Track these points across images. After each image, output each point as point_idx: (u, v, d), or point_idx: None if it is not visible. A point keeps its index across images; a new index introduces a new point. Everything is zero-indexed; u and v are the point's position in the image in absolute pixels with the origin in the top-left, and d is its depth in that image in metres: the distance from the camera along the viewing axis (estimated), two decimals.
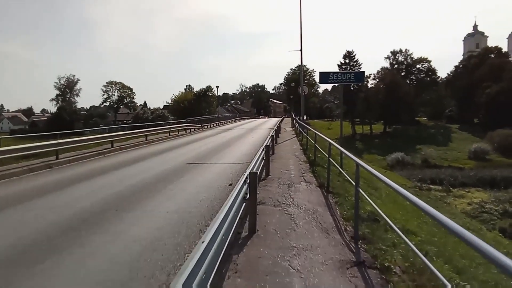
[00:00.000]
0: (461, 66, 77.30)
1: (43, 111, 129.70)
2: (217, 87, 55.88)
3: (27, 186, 8.87)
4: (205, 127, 35.78)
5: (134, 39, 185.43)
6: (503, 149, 50.65)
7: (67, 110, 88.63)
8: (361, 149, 61.42)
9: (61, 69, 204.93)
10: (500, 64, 65.31)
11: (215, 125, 40.70)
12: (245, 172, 5.15)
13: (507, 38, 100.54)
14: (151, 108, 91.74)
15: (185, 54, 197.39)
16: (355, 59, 71.18)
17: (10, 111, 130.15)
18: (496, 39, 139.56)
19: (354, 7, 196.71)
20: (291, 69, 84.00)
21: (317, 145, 10.67)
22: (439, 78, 77.51)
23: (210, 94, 72.56)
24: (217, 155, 14.05)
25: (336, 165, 7.83)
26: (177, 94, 74.09)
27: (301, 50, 21.66)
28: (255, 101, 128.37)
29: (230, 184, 8.24)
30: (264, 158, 8.48)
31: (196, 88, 75.99)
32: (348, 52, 71.60)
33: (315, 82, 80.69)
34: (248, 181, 4.82)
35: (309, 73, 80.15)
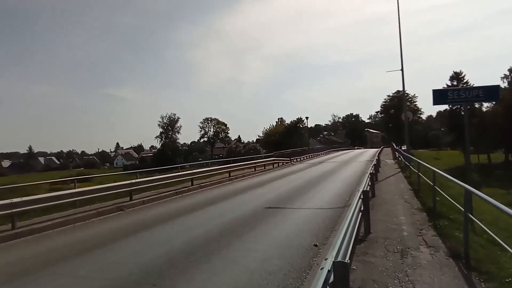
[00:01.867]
0: None
1: (152, 147, 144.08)
2: (307, 118, 54.16)
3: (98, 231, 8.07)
4: (295, 160, 33.89)
5: (228, 77, 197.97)
6: None
7: (169, 146, 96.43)
8: (478, 181, 52.74)
9: (167, 109, 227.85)
10: None
11: (305, 158, 38.55)
12: (337, 228, 2.94)
13: None
14: (244, 142, 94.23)
15: (276, 88, 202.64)
16: (464, 81, 63.02)
17: (124, 148, 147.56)
18: None
19: (453, 24, 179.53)
20: (388, 96, 78.15)
21: (436, 187, 7.79)
22: None
23: (301, 126, 71.24)
24: (303, 196, 11.87)
25: (472, 217, 5.01)
26: (268, 128, 74.63)
27: (402, 69, 18.58)
28: (349, 131, 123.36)
29: (315, 245, 6.01)
30: (362, 208, 6.09)
31: (288, 121, 75.64)
32: (455, 73, 63.91)
33: (418, 108, 73.66)
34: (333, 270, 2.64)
35: (410, 99, 73.38)
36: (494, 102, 63.26)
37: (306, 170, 23.00)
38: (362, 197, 6.19)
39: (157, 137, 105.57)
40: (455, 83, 63.41)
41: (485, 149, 59.95)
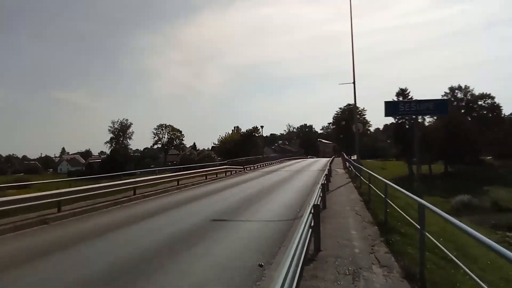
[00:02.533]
0: None
1: (101, 153, 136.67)
2: (262, 127, 54.10)
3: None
4: (248, 168, 33.36)
5: (186, 86, 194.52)
6: None
7: (120, 152, 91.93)
8: (420, 191, 55.70)
9: (119, 115, 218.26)
10: None
11: (259, 166, 38.19)
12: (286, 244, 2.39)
13: None
14: (200, 149, 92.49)
15: (234, 98, 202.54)
16: (409, 97, 66.87)
17: (70, 153, 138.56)
18: None
19: (401, 44, 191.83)
20: (340, 108, 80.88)
21: (388, 200, 7.52)
22: (504, 115, 70.38)
23: (257, 135, 71.21)
24: (253, 206, 11.26)
25: (428, 235, 4.67)
26: (224, 136, 73.77)
27: (354, 82, 18.89)
28: (303, 141, 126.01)
29: (261, 266, 5.36)
30: (313, 223, 5.57)
31: (244, 130, 75.34)
32: (401, 89, 67.55)
33: (366, 120, 76.81)
34: None
35: (360, 112, 76.41)
36: (435, 118, 68.08)
37: (258, 179, 22.50)
38: (312, 211, 5.67)
39: (106, 142, 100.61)
40: (400, 98, 67.06)
41: (427, 160, 63.62)
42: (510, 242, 26.19)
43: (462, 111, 69.06)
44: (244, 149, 62.65)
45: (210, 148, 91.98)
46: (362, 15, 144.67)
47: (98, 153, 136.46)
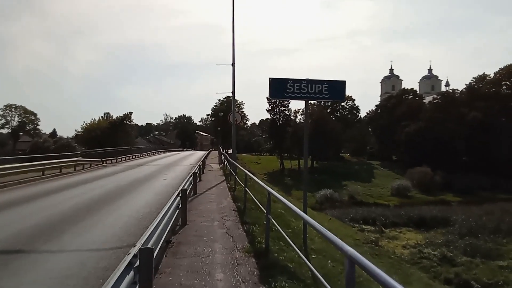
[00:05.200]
0: (381, 105, 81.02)
1: None
2: (131, 113, 48.50)
3: None
4: (109, 162, 28.49)
5: (49, 62, 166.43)
6: (421, 186, 51.82)
7: None
8: (290, 185, 59.58)
9: None
10: (417, 105, 68.94)
11: (125, 159, 33.45)
12: None
13: (418, 82, 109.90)
14: (61, 136, 79.33)
15: (108, 81, 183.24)
16: None
17: None
18: (409, 83, 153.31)
19: (285, 41, 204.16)
20: (218, 100, 79.37)
21: (271, 217, 5.33)
22: (360, 117, 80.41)
23: (128, 123, 64.18)
24: (89, 219, 7.92)
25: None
26: (89, 122, 64.05)
27: (233, 64, 16.71)
28: (180, 133, 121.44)
29: None
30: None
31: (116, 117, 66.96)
32: None
33: (245, 114, 77.54)
34: None
35: (238, 105, 76.66)
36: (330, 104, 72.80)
37: (116, 176, 18.54)
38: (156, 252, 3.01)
39: None
40: None
41: (297, 156, 67.57)
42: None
43: (328, 110, 75.63)
44: (113, 138, 55.80)
45: (73, 136, 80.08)
46: (246, 9, 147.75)
47: None
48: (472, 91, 64.61)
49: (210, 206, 9.76)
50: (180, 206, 6.65)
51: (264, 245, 5.57)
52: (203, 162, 22.59)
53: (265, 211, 5.53)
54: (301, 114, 74.78)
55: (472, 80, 66.91)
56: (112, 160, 29.44)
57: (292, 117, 72.86)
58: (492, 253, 22.05)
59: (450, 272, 20.16)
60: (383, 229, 35.83)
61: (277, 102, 68.75)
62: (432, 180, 51.63)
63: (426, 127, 60.94)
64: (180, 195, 6.55)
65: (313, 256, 5.83)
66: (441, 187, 50.75)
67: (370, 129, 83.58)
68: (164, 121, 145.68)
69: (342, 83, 6.69)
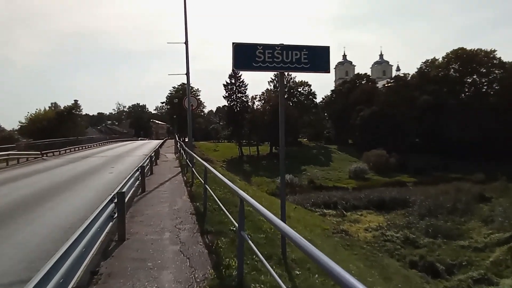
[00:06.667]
0: (336, 91, 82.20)
1: None
2: (76, 101, 44.79)
3: None
4: (50, 154, 25.49)
5: None
6: (377, 168, 53.11)
7: None
8: (249, 171, 58.80)
9: None
10: (370, 89, 70.45)
11: (71, 150, 30.43)
12: None
13: (370, 68, 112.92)
14: (3, 128, 71.86)
15: (56, 71, 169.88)
16: (241, 79, 68.21)
17: None
18: (361, 68, 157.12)
19: (240, 31, 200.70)
20: (173, 87, 75.71)
21: (246, 236, 3.81)
22: (316, 102, 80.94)
23: (77, 112, 59.43)
24: None
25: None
26: (34, 113, 58.32)
27: (186, 43, 14.77)
28: (134, 122, 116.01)
29: None
30: None
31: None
32: (233, 72, 68.02)
33: (202, 102, 74.94)
34: None
35: (194, 92, 73.79)
36: (263, 102, 71.80)
37: (53, 171, 16.14)
38: None
39: None
40: (233, 81, 67.73)
41: (255, 142, 66.78)
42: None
43: (285, 96, 75.14)
44: (61, 129, 51.46)
45: (16, 128, 72.82)
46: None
47: None
48: (422, 75, 66.98)
49: (161, 209, 7.94)
50: (115, 215, 4.99)
51: (236, 272, 3.99)
52: (157, 151, 20.66)
53: (234, 222, 4.00)
54: (259, 100, 73.72)
55: (422, 64, 69.37)
56: (55, 153, 26.40)
57: (249, 104, 71.56)
58: (452, 233, 22.42)
59: (414, 254, 20.16)
60: (344, 212, 36.00)
61: (234, 89, 67.13)
62: (387, 162, 53.01)
63: (380, 111, 62.45)
64: (115, 200, 4.89)
65: (297, 272, 4.54)
66: (396, 169, 52.25)
67: (326, 114, 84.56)
68: (117, 110, 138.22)
69: (326, 50, 5.32)
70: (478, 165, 47.49)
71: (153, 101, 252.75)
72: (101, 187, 11.05)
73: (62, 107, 62.60)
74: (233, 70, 67.81)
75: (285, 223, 2.62)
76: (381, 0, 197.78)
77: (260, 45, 5.08)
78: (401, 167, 52.41)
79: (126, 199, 5.58)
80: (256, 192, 23.41)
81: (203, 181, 7.33)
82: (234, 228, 4.39)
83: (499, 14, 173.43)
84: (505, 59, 63.23)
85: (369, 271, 10.60)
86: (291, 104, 73.78)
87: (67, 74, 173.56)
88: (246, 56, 5.04)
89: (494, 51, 63.32)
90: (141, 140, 72.31)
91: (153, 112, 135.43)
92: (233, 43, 4.97)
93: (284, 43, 5.11)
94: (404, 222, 29.31)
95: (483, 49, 63.99)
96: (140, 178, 8.98)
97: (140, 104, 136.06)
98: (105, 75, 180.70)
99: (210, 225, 6.15)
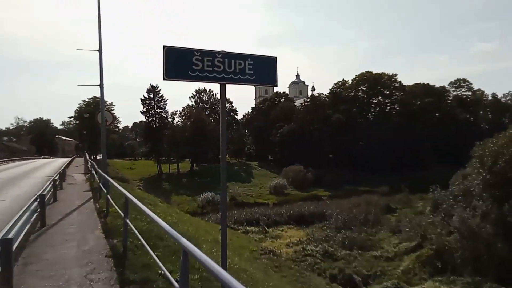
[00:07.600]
0: (256, 108, 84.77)
1: None
2: None
3: None
4: None
5: None
6: (296, 183, 55.25)
7: None
8: (169, 190, 56.47)
9: None
10: (289, 108, 73.82)
11: None
12: None
13: (288, 87, 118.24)
14: None
15: None
16: (160, 94, 65.85)
17: None
18: (280, 87, 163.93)
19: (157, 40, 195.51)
20: (83, 101, 69.12)
21: None
22: (237, 119, 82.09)
23: None
24: None
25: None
26: None
27: (100, 50, 13.27)
28: (36, 138, 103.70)
29: None
30: None
31: None
32: (152, 86, 65.54)
33: (115, 116, 70.11)
34: None
35: (108, 106, 68.80)
36: (184, 118, 69.97)
37: None
38: None
39: None
40: (151, 95, 64.97)
41: (175, 159, 64.59)
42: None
43: (207, 112, 74.74)
44: None
45: None
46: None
47: None
48: (334, 95, 72.44)
49: (66, 250, 6.33)
50: None
51: None
52: (63, 172, 18.29)
53: (162, 267, 3.10)
54: (180, 116, 71.81)
55: (334, 85, 75.09)
56: None
57: (169, 120, 69.32)
58: (366, 244, 23.78)
59: (333, 267, 20.80)
60: (266, 229, 36.25)
61: (153, 104, 64.39)
62: (305, 177, 55.34)
63: (297, 128, 65.61)
64: None
65: None
66: (313, 183, 54.74)
67: (246, 131, 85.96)
68: (15, 125, 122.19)
69: (273, 60, 4.82)
70: (384, 178, 52.30)
71: (60, 115, 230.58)
72: None
73: None
74: (151, 86, 65.51)
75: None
76: (296, 23, 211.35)
77: (198, 50, 4.36)
78: (317, 181, 55.14)
79: (17, 243, 4.38)
80: (183, 216, 22.07)
81: (122, 214, 5.92)
82: (163, 272, 3.52)
83: (393, 42, 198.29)
84: (404, 82, 72.01)
85: None
86: (212, 120, 73.44)
87: None
88: (181, 63, 4.27)
89: (396, 75, 71.71)
90: (44, 158, 64.88)
91: (59, 127, 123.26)
92: (164, 46, 4.18)
93: (227, 51, 4.51)
94: (322, 236, 30.39)
95: (386, 72, 71.87)
96: (39, 209, 7.45)
97: (44, 119, 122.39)
98: (1, 85, 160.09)
99: (132, 272, 4.98)
